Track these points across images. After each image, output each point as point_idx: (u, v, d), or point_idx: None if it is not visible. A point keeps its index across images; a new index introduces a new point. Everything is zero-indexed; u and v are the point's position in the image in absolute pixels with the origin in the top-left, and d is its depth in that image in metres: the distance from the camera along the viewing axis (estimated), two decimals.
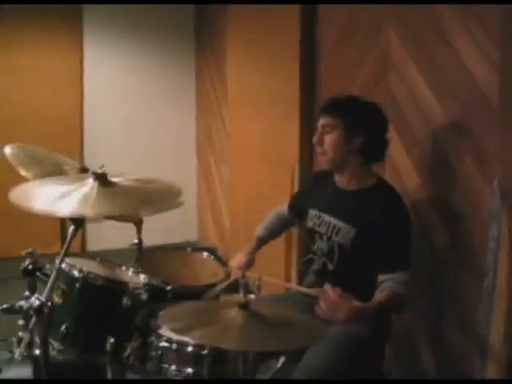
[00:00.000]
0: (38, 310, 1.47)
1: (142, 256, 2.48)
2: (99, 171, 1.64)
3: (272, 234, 2.50)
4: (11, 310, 1.93)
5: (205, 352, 1.74)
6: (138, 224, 2.76)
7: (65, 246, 1.59)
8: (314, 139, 2.09)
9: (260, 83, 3.76)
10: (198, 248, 2.91)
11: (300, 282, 2.28)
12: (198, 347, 1.74)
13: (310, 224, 2.19)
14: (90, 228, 5.00)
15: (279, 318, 1.60)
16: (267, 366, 1.84)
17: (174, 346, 1.78)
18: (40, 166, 2.29)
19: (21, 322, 1.98)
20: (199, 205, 5.41)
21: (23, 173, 2.27)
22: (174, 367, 1.80)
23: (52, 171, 2.10)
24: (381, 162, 2.17)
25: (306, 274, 2.18)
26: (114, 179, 1.68)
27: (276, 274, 3.33)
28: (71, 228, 1.60)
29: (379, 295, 1.89)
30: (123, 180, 1.72)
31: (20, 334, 1.97)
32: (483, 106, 1.98)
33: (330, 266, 2.06)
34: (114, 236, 4.15)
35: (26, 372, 1.91)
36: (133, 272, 2.21)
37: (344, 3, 2.76)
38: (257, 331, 1.49)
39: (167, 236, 4.60)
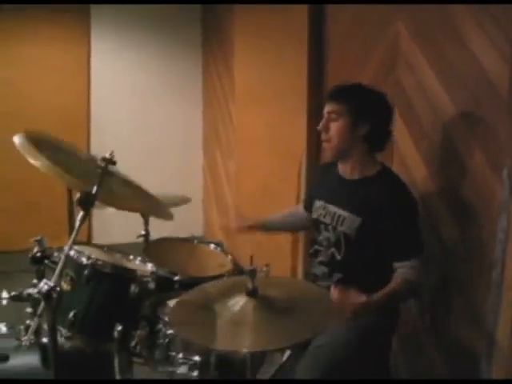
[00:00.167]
0: (47, 295, 1.48)
1: (149, 247, 2.49)
2: (107, 156, 1.68)
3: (281, 222, 2.50)
4: (19, 298, 1.94)
5: None
6: (146, 216, 2.77)
7: (74, 232, 1.61)
8: (320, 126, 2.07)
9: (267, 77, 3.75)
10: (204, 241, 2.91)
11: (307, 275, 2.27)
12: None
13: (315, 215, 2.19)
14: (96, 221, 5.01)
15: (288, 302, 1.56)
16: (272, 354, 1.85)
17: None
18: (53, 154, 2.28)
19: (29, 309, 1.98)
20: (205, 199, 5.41)
21: (32, 161, 2.26)
22: (181, 355, 1.81)
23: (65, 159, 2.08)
24: (382, 152, 2.15)
25: (312, 266, 2.18)
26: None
27: (282, 269, 3.33)
28: (80, 214, 1.61)
29: (391, 284, 1.89)
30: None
31: (27, 321, 1.98)
32: (493, 97, 1.96)
33: (338, 256, 2.05)
34: (119, 230, 4.16)
35: (33, 359, 1.92)
36: (140, 261, 2.21)
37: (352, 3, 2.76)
38: (267, 324, 1.45)
39: (173, 230, 4.55)
